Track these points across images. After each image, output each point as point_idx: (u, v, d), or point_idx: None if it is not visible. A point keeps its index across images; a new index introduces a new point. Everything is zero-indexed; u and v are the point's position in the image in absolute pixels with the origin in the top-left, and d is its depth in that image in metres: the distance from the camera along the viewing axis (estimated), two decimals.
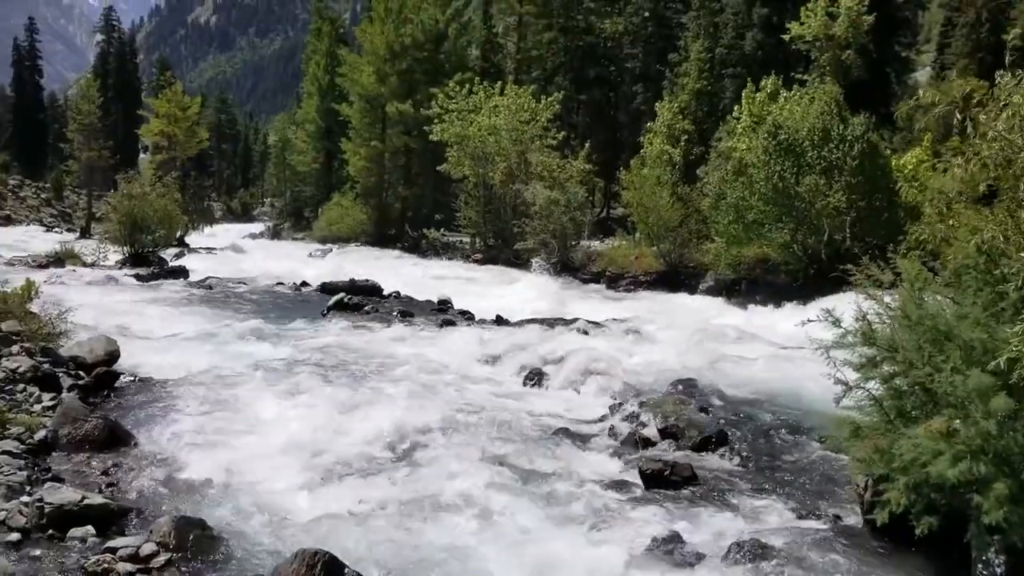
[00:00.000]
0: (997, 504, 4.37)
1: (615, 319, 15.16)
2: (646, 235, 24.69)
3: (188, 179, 55.20)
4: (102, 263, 23.91)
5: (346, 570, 4.80)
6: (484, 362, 11.75)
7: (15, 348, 9.25)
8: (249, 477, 6.55)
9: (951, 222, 6.41)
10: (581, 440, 8.20)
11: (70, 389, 8.56)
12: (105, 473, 6.53)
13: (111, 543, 5.05)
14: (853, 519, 6.01)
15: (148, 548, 4.98)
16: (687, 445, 7.83)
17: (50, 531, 5.18)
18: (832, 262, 16.00)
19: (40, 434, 6.96)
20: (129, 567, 4.81)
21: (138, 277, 20.78)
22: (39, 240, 35.32)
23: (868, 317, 5.62)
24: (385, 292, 18.79)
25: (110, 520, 5.47)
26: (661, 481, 6.82)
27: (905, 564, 5.20)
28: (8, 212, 52.54)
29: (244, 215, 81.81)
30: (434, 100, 34.78)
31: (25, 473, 6.10)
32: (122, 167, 49.66)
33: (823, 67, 28.18)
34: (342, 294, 16.74)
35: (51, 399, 7.96)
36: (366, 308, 15.86)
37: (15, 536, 5.07)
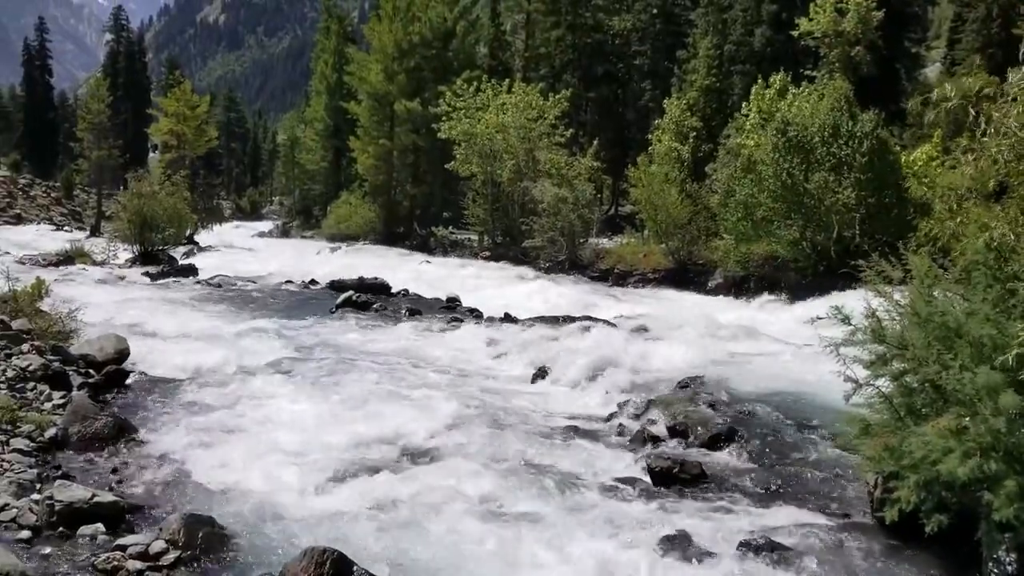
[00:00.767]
0: (1007, 502, 4.34)
1: (623, 316, 15.13)
2: (654, 232, 24.66)
3: (197, 178, 55.38)
4: (112, 262, 24.05)
5: (355, 568, 4.81)
6: (492, 359, 11.75)
7: (25, 346, 9.30)
8: (258, 475, 6.55)
9: (960, 219, 6.38)
10: (590, 438, 8.18)
11: (80, 387, 8.60)
12: (115, 471, 6.55)
13: (121, 541, 5.06)
14: (863, 517, 5.99)
15: (158, 546, 5.00)
16: (696, 442, 7.82)
17: (60, 529, 5.20)
18: (841, 259, 15.97)
19: (50, 432, 6.99)
20: (139, 565, 4.83)
21: (148, 275, 20.90)
22: (49, 239, 35.46)
23: (878, 314, 5.59)
24: (394, 290, 18.81)
25: (120, 518, 5.49)
26: (670, 479, 6.80)
27: (915, 562, 5.18)
28: (19, 211, 52.74)
29: (253, 213, 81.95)
30: (442, 98, 34.80)
31: (35, 471, 6.14)
32: (132, 166, 49.92)
33: (832, 63, 28.07)
34: (351, 292, 16.77)
35: (61, 397, 8.00)
36: (375, 306, 15.88)
37: (26, 534, 5.10)
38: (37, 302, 11.63)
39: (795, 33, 29.39)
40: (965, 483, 4.51)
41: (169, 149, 53.41)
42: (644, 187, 24.88)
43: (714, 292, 21.31)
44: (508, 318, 14.89)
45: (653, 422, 8.30)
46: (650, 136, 32.69)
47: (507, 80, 34.94)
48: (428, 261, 29.54)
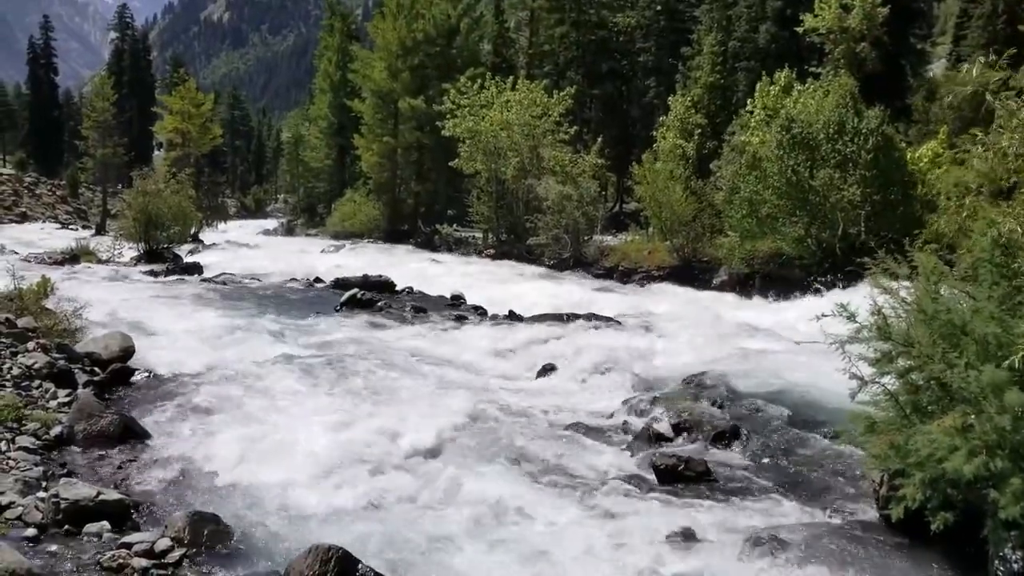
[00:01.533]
0: (1013, 500, 4.33)
1: (628, 314, 15.13)
2: (659, 230, 24.62)
3: (202, 176, 55.38)
4: (117, 260, 24.06)
5: (360, 565, 4.81)
6: (497, 357, 11.75)
7: (31, 344, 9.32)
8: (263, 472, 6.56)
9: (967, 214, 6.36)
10: (594, 435, 8.18)
11: (85, 385, 8.61)
12: (120, 468, 6.56)
13: (126, 538, 5.07)
14: (868, 514, 5.98)
15: (163, 543, 5.00)
16: (701, 440, 7.81)
17: (66, 526, 5.21)
18: (847, 256, 15.92)
19: (56, 430, 7.01)
20: (144, 562, 4.84)
21: (153, 274, 20.91)
22: (55, 237, 35.56)
23: (884, 311, 5.57)
24: (398, 288, 18.81)
25: (125, 515, 5.51)
26: (675, 476, 6.80)
27: (921, 560, 5.16)
28: (24, 209, 52.92)
29: (258, 211, 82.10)
30: (446, 95, 34.79)
31: (41, 468, 6.15)
32: (137, 164, 49.97)
33: (837, 60, 28.00)
34: (355, 290, 16.76)
35: (66, 395, 8.01)
36: (379, 304, 15.88)
37: (32, 531, 5.11)
38: (42, 300, 11.66)
39: (800, 29, 29.32)
40: (971, 481, 4.50)
41: (174, 147, 53.47)
42: (648, 184, 24.84)
43: (719, 289, 21.27)
44: (513, 316, 14.89)
45: (658, 420, 8.30)
46: (654, 133, 32.65)
47: (511, 77, 34.92)
48: (433, 259, 29.54)
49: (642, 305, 17.68)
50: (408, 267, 25.15)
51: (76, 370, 8.98)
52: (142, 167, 41.60)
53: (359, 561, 4.83)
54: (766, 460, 7.36)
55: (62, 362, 8.90)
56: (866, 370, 5.53)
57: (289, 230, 55.83)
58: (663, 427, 8.12)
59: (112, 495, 5.58)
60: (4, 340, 9.26)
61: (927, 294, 5.36)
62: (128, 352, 9.89)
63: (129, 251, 25.20)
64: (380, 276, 19.33)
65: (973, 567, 4.94)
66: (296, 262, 26.25)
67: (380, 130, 42.70)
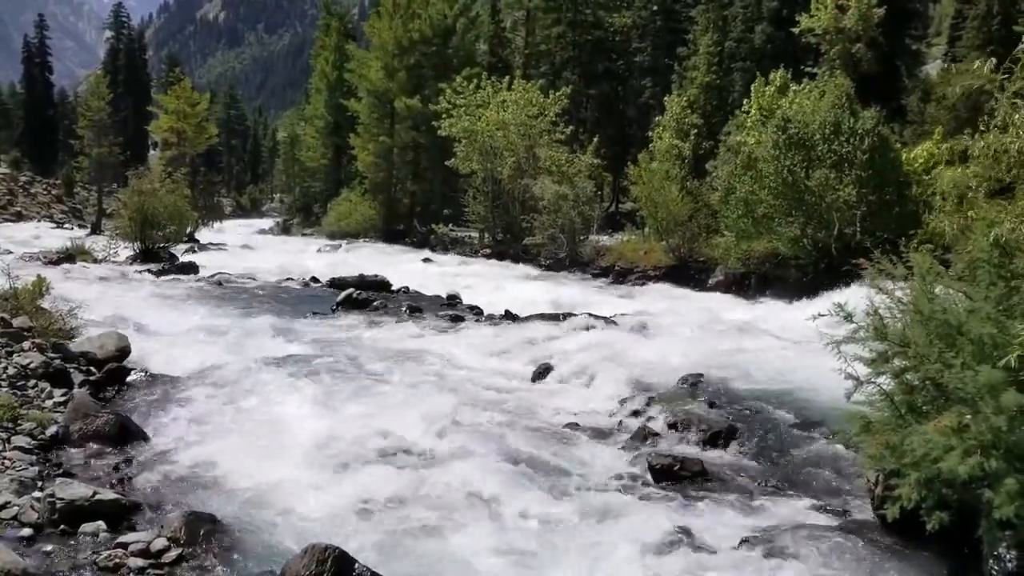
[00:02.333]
0: (1008, 499, 4.34)
1: (624, 314, 15.13)
2: (655, 229, 24.66)
3: (198, 175, 55.36)
4: (113, 259, 24.00)
5: (356, 565, 4.81)
6: (493, 357, 11.74)
7: (26, 344, 9.30)
8: (259, 472, 6.55)
9: (964, 215, 6.37)
10: (590, 435, 8.19)
11: (81, 385, 8.60)
12: (116, 468, 6.55)
13: (122, 538, 5.07)
14: (864, 514, 5.99)
15: (159, 543, 5.00)
16: (696, 440, 7.82)
17: (62, 526, 5.20)
18: (842, 256, 15.95)
19: (51, 430, 6.99)
20: (140, 562, 4.83)
21: (148, 273, 20.88)
22: (50, 236, 35.46)
23: (879, 311, 5.58)
24: (394, 287, 18.81)
25: (121, 515, 5.50)
26: (670, 476, 6.81)
27: (916, 559, 5.17)
28: (19, 209, 52.77)
29: (254, 211, 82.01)
30: (442, 95, 34.79)
31: (36, 468, 6.14)
32: (132, 163, 49.80)
33: (833, 60, 28.07)
34: (351, 289, 16.76)
35: (62, 395, 8.00)
36: (375, 303, 15.88)
37: (27, 531, 5.10)
38: (38, 300, 11.62)
39: (796, 30, 29.40)
40: (966, 481, 4.51)
41: (169, 146, 53.42)
42: (644, 184, 24.88)
43: (715, 289, 21.30)
44: (509, 315, 14.89)
45: (654, 419, 8.32)
46: (650, 133, 32.67)
47: (507, 77, 34.95)
48: (429, 259, 29.55)
49: (638, 305, 17.70)
50: (404, 267, 25.16)
51: (72, 370, 8.97)
52: (138, 166, 41.34)
53: (355, 560, 4.83)
54: (762, 460, 7.37)
55: (58, 362, 8.89)
56: (862, 370, 5.54)
57: (285, 229, 55.83)
58: (659, 427, 8.13)
59: (108, 495, 5.58)
60: (0, 340, 9.24)
61: (923, 294, 5.37)
62: (124, 352, 9.87)
63: (125, 251, 25.14)
64: (376, 276, 19.34)
65: (968, 566, 4.95)
66: (292, 261, 26.24)
67: (376, 130, 42.70)
